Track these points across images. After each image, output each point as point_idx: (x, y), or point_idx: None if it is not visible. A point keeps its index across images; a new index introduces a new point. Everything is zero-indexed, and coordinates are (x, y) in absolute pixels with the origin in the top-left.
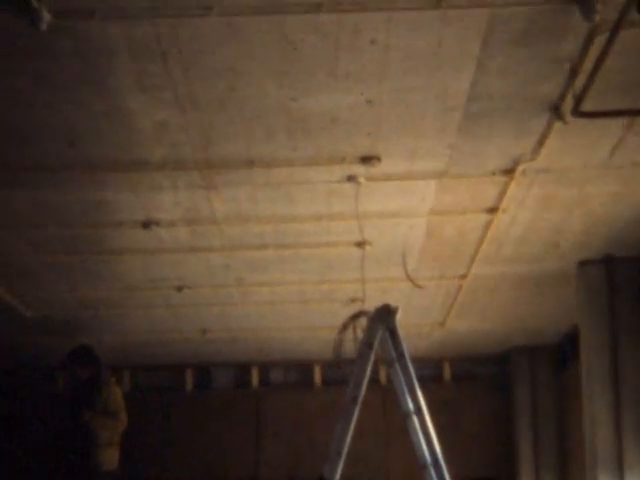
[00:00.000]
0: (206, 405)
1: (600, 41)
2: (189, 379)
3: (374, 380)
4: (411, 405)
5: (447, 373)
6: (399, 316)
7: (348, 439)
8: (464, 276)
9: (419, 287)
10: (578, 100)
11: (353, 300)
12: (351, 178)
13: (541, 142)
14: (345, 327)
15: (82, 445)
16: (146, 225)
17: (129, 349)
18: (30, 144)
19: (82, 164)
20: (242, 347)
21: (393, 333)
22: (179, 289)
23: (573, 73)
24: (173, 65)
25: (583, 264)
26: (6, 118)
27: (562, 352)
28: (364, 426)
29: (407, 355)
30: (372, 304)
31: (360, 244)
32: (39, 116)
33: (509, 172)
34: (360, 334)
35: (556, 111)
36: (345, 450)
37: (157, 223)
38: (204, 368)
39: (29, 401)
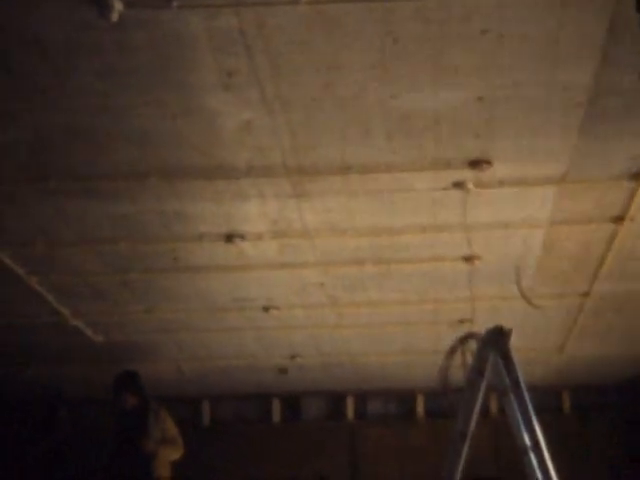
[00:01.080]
0: (295, 439)
1: None
2: (276, 410)
3: (485, 411)
4: (527, 440)
5: (567, 403)
6: (513, 339)
7: (457, 479)
8: (586, 294)
9: (535, 307)
10: None
11: (461, 321)
12: (458, 185)
13: None
14: (452, 352)
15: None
16: (229, 238)
17: (209, 377)
18: (100, 150)
19: (158, 171)
20: (336, 374)
21: (506, 358)
22: (266, 310)
23: None
24: (259, 60)
25: None
26: (73, 121)
27: None
28: (474, 463)
29: (523, 383)
30: (482, 326)
31: (468, 259)
32: (109, 118)
33: (638, 176)
34: (469, 359)
35: None
36: None
37: (242, 236)
38: (293, 398)
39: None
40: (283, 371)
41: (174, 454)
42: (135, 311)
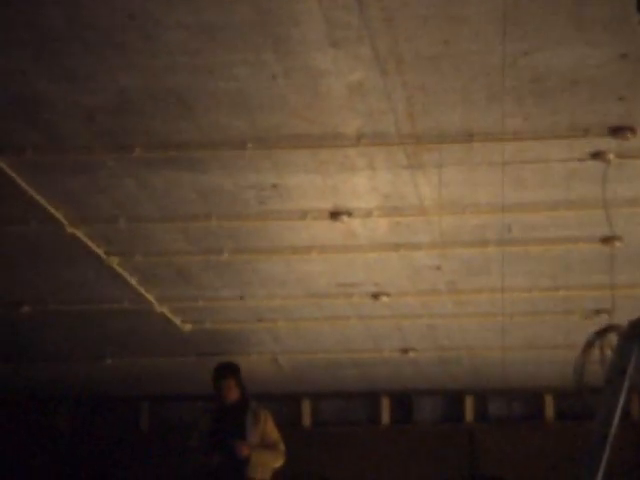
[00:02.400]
0: (406, 442)
1: None
2: (385, 409)
3: (626, 413)
4: None
5: None
6: None
7: None
8: None
9: None
10: None
11: (598, 312)
12: (597, 155)
13: None
14: (589, 346)
15: None
16: (335, 216)
17: (311, 371)
18: (189, 115)
19: (255, 139)
20: (453, 371)
21: None
22: (375, 296)
23: None
24: (372, 12)
25: None
26: (159, 83)
27: None
28: (614, 471)
29: None
30: (623, 317)
31: (607, 240)
32: (200, 79)
33: None
34: (609, 355)
35: None
36: None
37: (349, 213)
38: (405, 396)
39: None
40: (405, 352)
41: (273, 462)
42: (227, 297)
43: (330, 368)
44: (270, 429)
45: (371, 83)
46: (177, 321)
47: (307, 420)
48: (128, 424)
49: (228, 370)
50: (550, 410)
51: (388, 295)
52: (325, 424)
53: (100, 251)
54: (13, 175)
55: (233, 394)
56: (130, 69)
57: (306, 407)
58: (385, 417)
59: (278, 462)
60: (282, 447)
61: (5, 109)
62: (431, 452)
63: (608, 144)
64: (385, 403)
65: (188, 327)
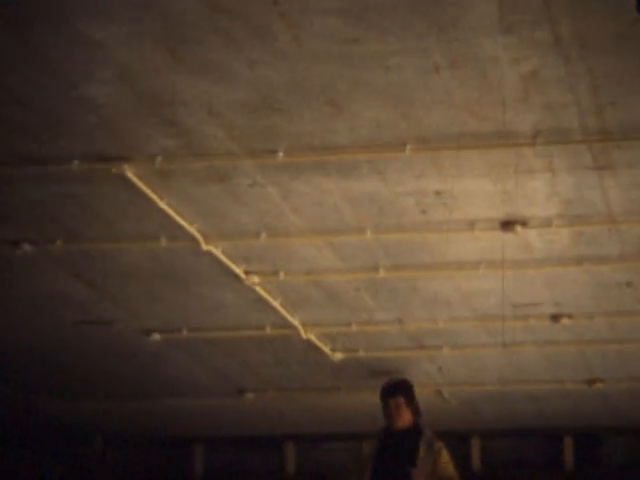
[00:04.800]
0: None
1: None
2: (568, 451)
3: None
4: None
5: None
6: None
7: None
8: None
9: None
10: None
11: None
12: None
13: None
14: None
15: None
16: (507, 226)
17: (480, 406)
18: (344, 114)
19: (415, 139)
20: None
21: None
22: (555, 318)
23: None
24: None
25: None
26: (310, 78)
27: None
28: None
29: None
30: None
31: None
32: (355, 73)
33: None
34: None
35: None
36: None
37: (523, 223)
38: (591, 435)
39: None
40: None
41: None
42: (383, 321)
43: (502, 402)
44: (445, 463)
45: (550, 72)
46: (326, 349)
47: (476, 462)
48: (272, 465)
49: (399, 387)
50: None
51: (570, 317)
52: (497, 466)
53: (239, 270)
54: (142, 186)
55: (404, 417)
56: (274, 61)
57: (475, 447)
58: (568, 460)
59: None
60: None
61: (133, 110)
62: None
63: None
64: (568, 443)
65: (339, 356)
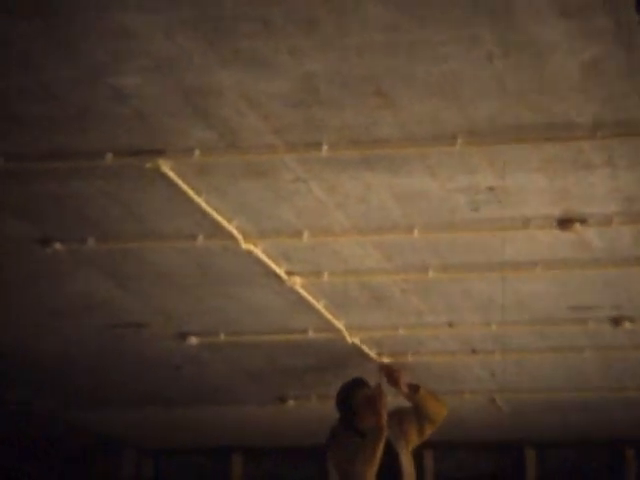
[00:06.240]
0: None
1: None
2: (631, 464)
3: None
4: None
5: None
6: None
7: None
8: None
9: None
10: None
11: None
12: None
13: None
14: None
15: None
16: (565, 224)
17: (535, 415)
18: (391, 106)
19: (465, 131)
20: None
21: None
22: (616, 322)
23: None
24: None
25: None
26: (356, 68)
27: None
28: None
29: None
30: None
31: None
32: (403, 63)
33: None
34: None
35: None
36: None
37: (582, 220)
38: None
39: None
40: None
41: None
42: (432, 324)
43: (559, 410)
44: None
45: (611, 60)
46: (372, 354)
47: (531, 473)
48: (313, 476)
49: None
50: None
51: (632, 321)
52: (553, 479)
53: (280, 271)
54: (178, 181)
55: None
56: (317, 51)
57: (530, 458)
58: (630, 473)
59: None
60: None
61: (169, 102)
62: None
63: None
64: (630, 455)
65: (385, 361)
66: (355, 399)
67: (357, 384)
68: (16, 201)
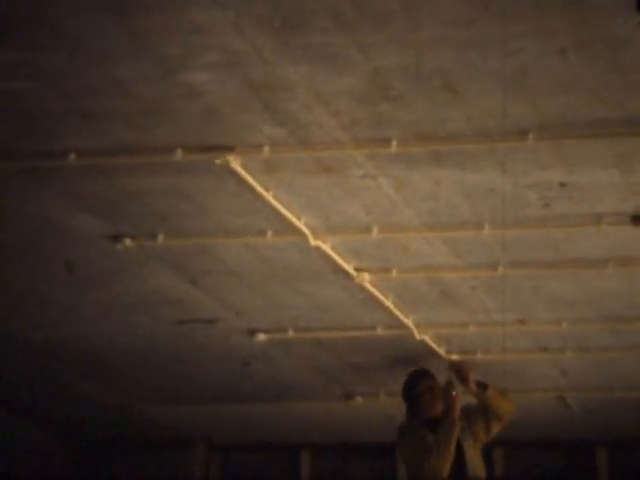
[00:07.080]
0: None
1: None
2: None
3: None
4: None
5: None
6: None
7: None
8: None
9: None
10: None
11: None
12: None
13: None
14: None
15: None
16: (638, 220)
17: (607, 414)
18: (462, 101)
19: (538, 127)
20: None
21: None
22: None
23: None
24: None
25: None
26: (426, 63)
27: None
28: None
29: None
30: None
31: None
32: (473, 58)
33: None
34: None
35: None
36: None
37: None
38: None
39: None
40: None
41: None
42: (502, 321)
43: (631, 411)
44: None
45: None
46: (441, 351)
47: (602, 474)
48: (382, 474)
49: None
50: None
51: None
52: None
53: (349, 267)
54: (247, 177)
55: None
56: (386, 45)
57: (601, 458)
58: None
59: None
60: None
61: (239, 98)
62: None
63: None
64: None
65: (455, 358)
66: (419, 388)
67: (421, 374)
68: (87, 197)
